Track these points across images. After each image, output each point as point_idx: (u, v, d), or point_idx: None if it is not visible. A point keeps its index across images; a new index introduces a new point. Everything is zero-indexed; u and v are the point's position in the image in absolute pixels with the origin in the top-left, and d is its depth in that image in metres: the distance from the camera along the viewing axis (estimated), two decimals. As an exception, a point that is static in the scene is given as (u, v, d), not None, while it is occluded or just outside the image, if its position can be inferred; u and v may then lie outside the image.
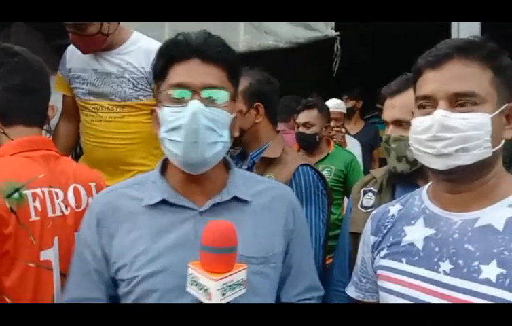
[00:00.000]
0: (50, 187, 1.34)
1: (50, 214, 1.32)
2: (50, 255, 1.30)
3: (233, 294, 0.94)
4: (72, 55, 2.24)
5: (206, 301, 0.92)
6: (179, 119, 1.11)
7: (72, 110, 2.33)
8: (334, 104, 3.84)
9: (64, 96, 2.35)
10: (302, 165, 1.78)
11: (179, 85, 1.13)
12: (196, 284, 0.94)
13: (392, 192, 1.61)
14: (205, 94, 1.12)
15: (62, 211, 1.36)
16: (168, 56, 1.17)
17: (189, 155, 1.13)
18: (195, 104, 1.10)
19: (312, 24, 3.19)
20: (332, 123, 3.62)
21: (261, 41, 3.29)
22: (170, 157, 1.19)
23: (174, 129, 1.12)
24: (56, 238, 1.32)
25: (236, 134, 1.26)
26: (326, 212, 1.81)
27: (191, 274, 0.96)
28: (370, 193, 1.65)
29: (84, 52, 2.15)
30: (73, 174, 1.43)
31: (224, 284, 0.92)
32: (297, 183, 1.74)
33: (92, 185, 1.47)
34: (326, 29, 3.16)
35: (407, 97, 1.51)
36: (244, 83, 1.87)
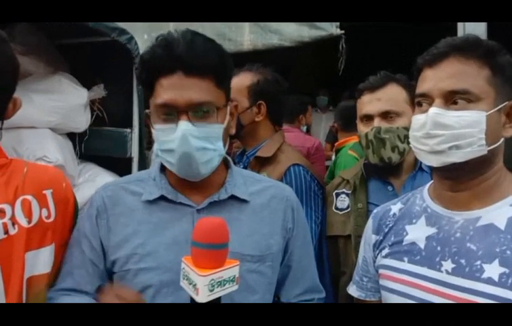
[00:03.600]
0: None
1: None
2: None
3: (223, 290, 0.93)
4: None
5: (194, 296, 0.92)
6: (170, 143, 1.10)
7: None
8: None
9: None
10: (294, 164, 1.74)
11: (165, 105, 1.10)
12: (187, 279, 0.95)
13: (366, 191, 1.63)
14: (192, 111, 1.09)
15: (7, 232, 1.10)
16: (152, 70, 1.13)
17: (185, 173, 1.14)
18: (183, 127, 1.07)
19: (317, 23, 3.17)
20: None
21: (265, 40, 3.29)
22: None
23: (167, 151, 1.12)
24: None
25: (233, 132, 1.25)
26: (320, 213, 1.75)
27: (183, 269, 0.97)
28: (343, 195, 1.69)
29: None
30: (23, 183, 1.17)
31: (212, 280, 0.91)
32: (287, 183, 1.68)
33: (48, 192, 1.21)
34: (331, 28, 3.15)
35: (392, 90, 1.58)
36: (252, 79, 1.85)
